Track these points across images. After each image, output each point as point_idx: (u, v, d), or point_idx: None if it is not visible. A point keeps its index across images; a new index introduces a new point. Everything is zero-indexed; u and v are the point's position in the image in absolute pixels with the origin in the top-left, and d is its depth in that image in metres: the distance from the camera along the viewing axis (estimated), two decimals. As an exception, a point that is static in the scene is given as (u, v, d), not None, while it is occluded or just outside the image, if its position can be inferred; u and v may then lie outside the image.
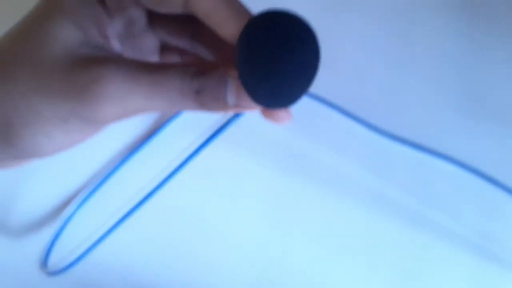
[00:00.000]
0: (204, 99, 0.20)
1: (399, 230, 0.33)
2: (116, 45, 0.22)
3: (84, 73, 0.19)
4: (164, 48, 0.25)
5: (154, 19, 0.23)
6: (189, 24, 0.23)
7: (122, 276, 0.31)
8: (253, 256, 0.32)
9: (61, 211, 0.32)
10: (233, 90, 0.20)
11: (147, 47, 0.24)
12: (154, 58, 0.25)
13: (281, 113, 0.21)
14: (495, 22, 0.39)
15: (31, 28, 0.20)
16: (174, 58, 0.25)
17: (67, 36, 0.20)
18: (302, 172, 0.34)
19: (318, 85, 0.35)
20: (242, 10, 0.20)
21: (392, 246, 0.33)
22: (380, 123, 0.35)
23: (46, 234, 0.31)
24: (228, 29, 0.19)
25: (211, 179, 0.33)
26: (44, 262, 0.31)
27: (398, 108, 0.36)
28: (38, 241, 0.31)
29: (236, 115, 0.34)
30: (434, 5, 0.39)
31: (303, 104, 0.35)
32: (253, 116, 0.34)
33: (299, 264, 0.32)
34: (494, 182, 0.34)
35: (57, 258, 0.31)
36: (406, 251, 0.33)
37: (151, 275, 0.31)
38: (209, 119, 0.34)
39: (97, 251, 0.31)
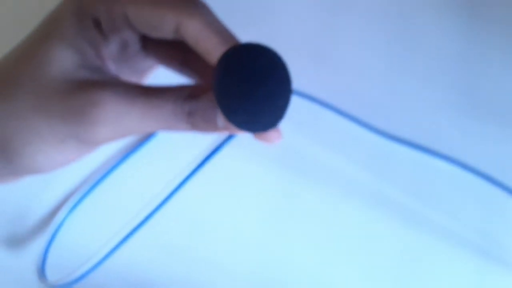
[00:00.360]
0: (195, 120, 0.20)
1: (399, 230, 0.33)
2: (111, 66, 0.22)
3: (82, 96, 0.20)
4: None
5: (148, 43, 0.24)
6: (180, 49, 0.24)
7: None
8: (254, 258, 0.32)
9: (52, 218, 0.32)
10: None
11: (141, 68, 0.25)
12: (147, 78, 0.26)
13: (270, 134, 0.21)
14: (494, 22, 0.38)
15: (30, 51, 0.21)
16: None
17: (65, 59, 0.20)
18: (302, 174, 0.34)
19: (318, 86, 0.35)
20: (230, 37, 0.20)
21: (392, 246, 0.33)
22: (380, 123, 0.35)
23: (40, 242, 0.31)
24: (216, 55, 0.20)
25: (212, 183, 0.33)
26: (41, 271, 0.30)
27: (397, 108, 0.36)
28: (33, 250, 0.31)
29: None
30: (434, 5, 0.39)
31: (303, 106, 0.35)
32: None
33: (301, 265, 0.32)
34: (494, 182, 0.34)
35: (55, 266, 0.31)
36: (405, 251, 0.33)
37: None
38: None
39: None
